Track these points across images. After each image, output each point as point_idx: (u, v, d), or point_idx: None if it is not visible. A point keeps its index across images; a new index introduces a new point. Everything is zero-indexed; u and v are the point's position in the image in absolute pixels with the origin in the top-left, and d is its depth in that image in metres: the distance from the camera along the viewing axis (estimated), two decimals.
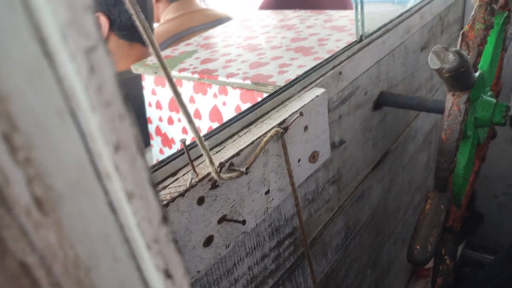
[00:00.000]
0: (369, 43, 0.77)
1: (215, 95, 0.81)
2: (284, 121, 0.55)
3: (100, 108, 0.14)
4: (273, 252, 0.62)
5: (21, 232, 0.14)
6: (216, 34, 1.08)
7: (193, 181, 0.43)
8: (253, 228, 0.55)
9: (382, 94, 0.85)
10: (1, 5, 0.12)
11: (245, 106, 0.76)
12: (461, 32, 0.72)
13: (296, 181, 0.58)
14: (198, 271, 0.46)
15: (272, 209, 0.57)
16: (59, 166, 0.15)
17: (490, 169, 1.56)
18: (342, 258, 0.87)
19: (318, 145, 0.62)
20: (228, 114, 0.80)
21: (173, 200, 0.41)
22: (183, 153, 0.47)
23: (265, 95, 0.61)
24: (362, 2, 0.73)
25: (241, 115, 0.55)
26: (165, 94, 0.92)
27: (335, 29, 0.93)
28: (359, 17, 0.74)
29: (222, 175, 0.44)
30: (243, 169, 0.47)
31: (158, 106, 0.95)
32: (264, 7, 1.57)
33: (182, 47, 1.00)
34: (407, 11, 0.93)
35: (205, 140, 0.45)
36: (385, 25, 0.83)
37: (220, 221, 0.48)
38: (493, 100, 0.76)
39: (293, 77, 0.65)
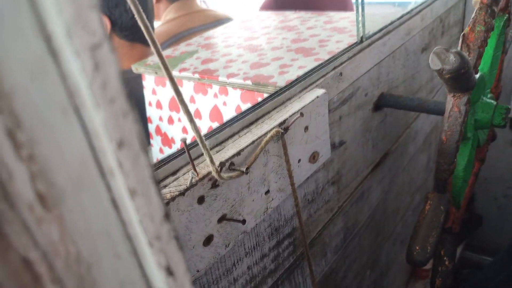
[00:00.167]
0: (369, 45, 0.77)
1: (215, 95, 0.81)
2: (284, 121, 0.55)
3: (104, 104, 0.14)
4: (272, 252, 0.62)
5: (23, 227, 0.14)
6: (217, 34, 1.08)
7: (193, 180, 0.43)
8: (252, 228, 0.56)
9: (383, 95, 0.85)
10: (7, 2, 0.12)
11: (245, 107, 0.76)
12: (462, 34, 0.72)
13: (296, 182, 0.59)
14: (198, 270, 0.46)
15: (272, 209, 0.57)
16: (62, 162, 0.15)
17: (489, 171, 1.56)
18: (341, 259, 0.87)
19: (318, 145, 0.63)
20: (228, 114, 0.80)
21: (173, 199, 0.41)
22: (184, 153, 0.47)
23: (265, 95, 0.61)
24: (363, 4, 0.73)
25: (242, 115, 0.55)
26: (166, 93, 0.92)
27: (335, 31, 0.94)
28: (360, 18, 0.74)
29: (222, 174, 0.44)
30: (244, 169, 0.47)
31: (159, 105, 0.95)
32: (265, 8, 1.57)
33: (182, 47, 1.00)
34: (407, 13, 0.93)
35: (206, 139, 0.45)
36: (385, 26, 0.84)
37: (220, 220, 0.48)
38: (493, 102, 0.76)
39: (293, 78, 0.65)
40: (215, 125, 0.83)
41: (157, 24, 1.53)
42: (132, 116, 0.15)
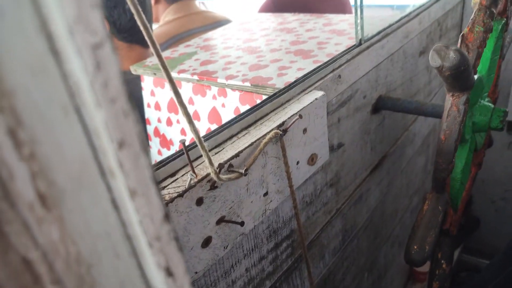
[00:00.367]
0: (368, 47, 0.77)
1: (214, 97, 0.81)
2: (283, 123, 0.55)
3: (105, 104, 0.14)
4: (270, 254, 0.62)
5: (24, 227, 0.14)
6: (216, 36, 1.08)
7: (192, 181, 0.43)
8: (251, 230, 0.55)
9: (381, 98, 0.85)
10: (8, 1, 0.12)
11: (244, 108, 0.76)
12: (461, 34, 0.72)
13: (294, 184, 0.58)
14: (196, 272, 0.46)
15: (270, 211, 0.57)
16: (62, 162, 0.15)
17: (487, 174, 1.56)
18: (339, 261, 0.87)
19: (316, 147, 0.63)
20: (227, 116, 0.80)
21: (172, 200, 0.41)
22: (182, 154, 0.47)
23: (264, 97, 0.61)
24: (361, 6, 0.74)
25: (241, 116, 0.55)
26: (164, 95, 0.92)
27: (334, 33, 0.94)
28: (359, 21, 0.75)
29: (221, 176, 0.44)
30: (242, 171, 0.47)
31: (157, 107, 0.95)
32: (264, 10, 1.58)
33: (181, 49, 1.00)
34: (406, 16, 0.93)
35: (204, 141, 0.45)
36: (384, 29, 0.84)
37: (218, 222, 0.48)
38: (491, 105, 0.76)
39: (292, 80, 0.65)
40: (213, 126, 0.83)
41: (155, 26, 1.53)
42: (133, 116, 0.15)
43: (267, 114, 0.58)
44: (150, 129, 1.00)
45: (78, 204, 0.15)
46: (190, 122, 0.39)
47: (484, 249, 1.70)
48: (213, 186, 0.45)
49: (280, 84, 0.70)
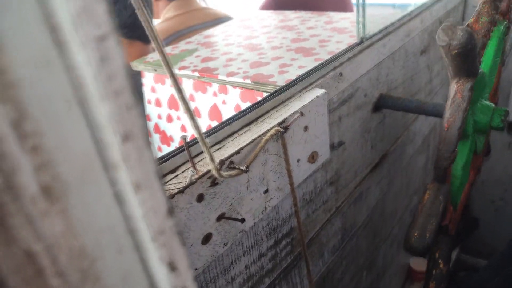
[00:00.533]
0: (369, 46, 0.77)
1: (215, 94, 0.81)
2: (284, 120, 0.55)
3: (109, 97, 0.14)
4: (270, 251, 0.62)
5: (27, 220, 0.14)
6: (217, 33, 1.08)
7: (192, 178, 0.43)
8: (251, 227, 0.55)
9: (382, 97, 0.85)
10: None
11: (244, 105, 0.76)
12: (466, 24, 0.72)
13: (294, 181, 0.58)
14: (196, 269, 0.46)
15: (270, 208, 0.57)
16: (66, 155, 0.15)
17: (487, 174, 1.56)
18: (338, 259, 0.87)
19: (317, 145, 0.63)
20: (227, 113, 0.80)
21: (172, 196, 0.41)
22: (183, 150, 0.47)
23: (265, 94, 0.61)
24: (363, 5, 0.74)
25: (242, 113, 0.55)
26: (165, 91, 0.92)
27: (335, 31, 0.94)
28: (360, 19, 0.74)
29: (222, 172, 0.44)
30: (243, 167, 0.46)
31: (158, 103, 0.95)
32: (265, 7, 1.57)
33: (182, 45, 1.00)
34: (407, 14, 0.93)
35: (205, 137, 0.45)
36: (385, 27, 0.84)
37: (218, 219, 0.48)
38: (492, 105, 0.76)
39: (293, 77, 0.65)
40: (214, 123, 0.83)
41: (155, 22, 1.52)
42: (136, 109, 0.15)
43: (268, 111, 0.58)
44: (150, 125, 1.00)
45: (81, 197, 0.15)
46: (192, 118, 0.39)
47: (482, 249, 1.70)
48: (214, 183, 0.45)
49: (281, 81, 0.70)
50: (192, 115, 0.39)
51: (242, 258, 0.56)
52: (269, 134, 0.51)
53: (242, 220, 0.51)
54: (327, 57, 0.72)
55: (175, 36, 1.39)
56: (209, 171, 0.44)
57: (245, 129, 0.54)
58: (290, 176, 0.57)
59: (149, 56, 0.98)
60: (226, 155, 0.47)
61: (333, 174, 0.75)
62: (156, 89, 0.94)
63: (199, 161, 0.47)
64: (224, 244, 0.50)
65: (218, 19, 1.44)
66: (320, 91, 0.61)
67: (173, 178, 0.44)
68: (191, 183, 0.43)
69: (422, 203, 0.75)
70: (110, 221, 0.16)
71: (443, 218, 0.80)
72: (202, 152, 0.47)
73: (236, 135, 0.52)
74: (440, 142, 0.71)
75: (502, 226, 1.66)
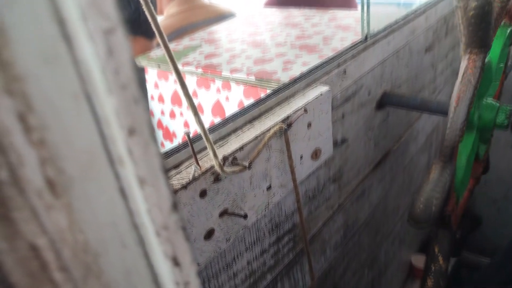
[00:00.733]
0: (374, 43, 0.77)
1: (218, 90, 0.81)
2: (288, 117, 0.55)
3: (116, 91, 0.14)
4: (272, 247, 0.62)
5: (32, 214, 0.14)
6: (221, 29, 1.08)
7: (196, 174, 0.43)
8: (253, 223, 0.55)
9: (386, 94, 0.85)
10: None
11: (248, 102, 0.75)
12: None
13: (297, 178, 0.58)
14: (198, 264, 0.46)
15: (273, 204, 0.57)
16: (71, 148, 0.15)
17: (490, 173, 1.56)
18: (340, 256, 0.87)
19: (320, 142, 0.62)
20: (230, 109, 0.80)
21: (175, 192, 0.41)
22: (186, 146, 0.47)
23: (268, 91, 0.61)
24: (368, 2, 0.73)
25: (245, 110, 0.55)
26: (168, 87, 0.92)
27: (340, 28, 0.93)
28: (365, 16, 0.74)
29: (225, 168, 0.44)
30: (246, 164, 0.46)
31: (161, 99, 0.95)
32: (269, 4, 1.57)
33: (186, 42, 1.00)
34: (412, 12, 0.93)
35: (209, 133, 0.45)
36: (390, 25, 0.83)
37: (221, 214, 0.48)
38: (497, 103, 0.76)
39: (297, 74, 0.65)
40: (217, 120, 0.83)
41: (159, 18, 1.52)
42: (143, 103, 0.15)
43: (271, 108, 0.58)
44: (153, 121, 1.00)
45: (86, 192, 0.15)
46: (196, 114, 0.39)
47: (485, 247, 1.70)
48: (217, 179, 0.45)
49: (285, 78, 0.70)
50: (196, 110, 0.39)
51: (245, 254, 0.56)
52: (272, 130, 0.51)
53: (245, 216, 0.51)
54: (331, 54, 0.72)
55: (178, 33, 1.39)
56: (212, 167, 0.44)
57: (248, 125, 0.54)
58: (293, 173, 0.57)
59: (153, 52, 0.98)
60: (229, 151, 0.47)
61: (336, 171, 0.75)
62: (159, 85, 0.94)
63: (202, 157, 0.47)
64: (226, 240, 0.50)
65: (221, 16, 1.44)
66: (324, 88, 0.61)
67: (177, 174, 0.44)
68: (194, 179, 0.43)
69: (428, 179, 0.72)
70: (114, 215, 0.16)
71: (446, 204, 0.77)
72: (205, 148, 0.47)
73: (239, 131, 0.52)
74: (449, 117, 0.69)
75: (505, 225, 1.66)
